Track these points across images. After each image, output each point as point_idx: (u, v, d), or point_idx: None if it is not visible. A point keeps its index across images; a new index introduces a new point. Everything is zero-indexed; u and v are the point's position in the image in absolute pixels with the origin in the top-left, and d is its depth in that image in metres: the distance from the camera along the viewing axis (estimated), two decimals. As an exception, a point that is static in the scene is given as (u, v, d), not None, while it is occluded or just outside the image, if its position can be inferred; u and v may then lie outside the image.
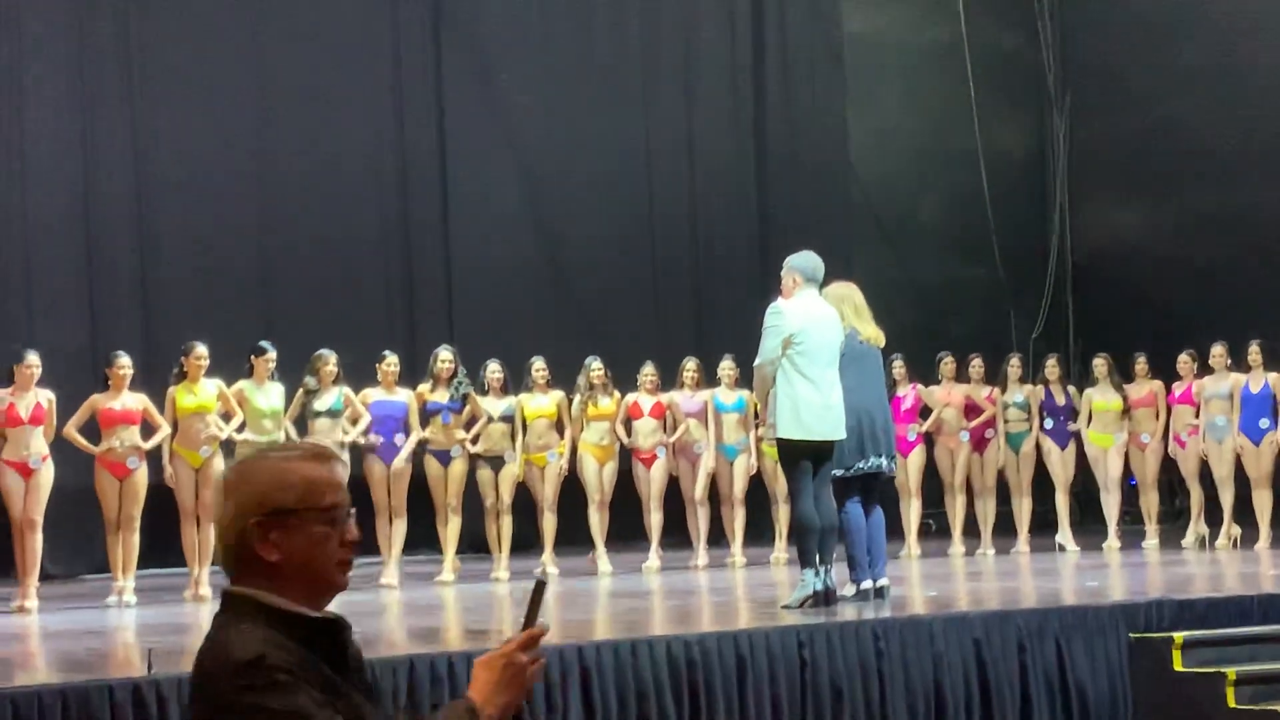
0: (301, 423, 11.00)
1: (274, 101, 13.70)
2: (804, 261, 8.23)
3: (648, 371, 12.23)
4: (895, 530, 11.41)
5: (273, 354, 10.79)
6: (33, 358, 10.06)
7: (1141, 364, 12.97)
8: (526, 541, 12.18)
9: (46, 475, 9.97)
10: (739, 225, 15.39)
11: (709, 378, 12.39)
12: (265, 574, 2.47)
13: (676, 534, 12.65)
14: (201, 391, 10.46)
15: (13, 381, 10.03)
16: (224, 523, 2.51)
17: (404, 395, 11.37)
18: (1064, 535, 13.14)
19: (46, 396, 10.09)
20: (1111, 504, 13.13)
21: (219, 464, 10.39)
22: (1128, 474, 13.22)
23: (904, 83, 16.17)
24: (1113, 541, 13.00)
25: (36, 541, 9.92)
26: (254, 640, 2.39)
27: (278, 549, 2.47)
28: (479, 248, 14.32)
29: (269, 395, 10.74)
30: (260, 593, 2.47)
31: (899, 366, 12.59)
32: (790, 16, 15.74)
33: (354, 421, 11.08)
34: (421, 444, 11.35)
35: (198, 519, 10.39)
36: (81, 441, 10.26)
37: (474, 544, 12.26)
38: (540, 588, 2.60)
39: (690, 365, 12.35)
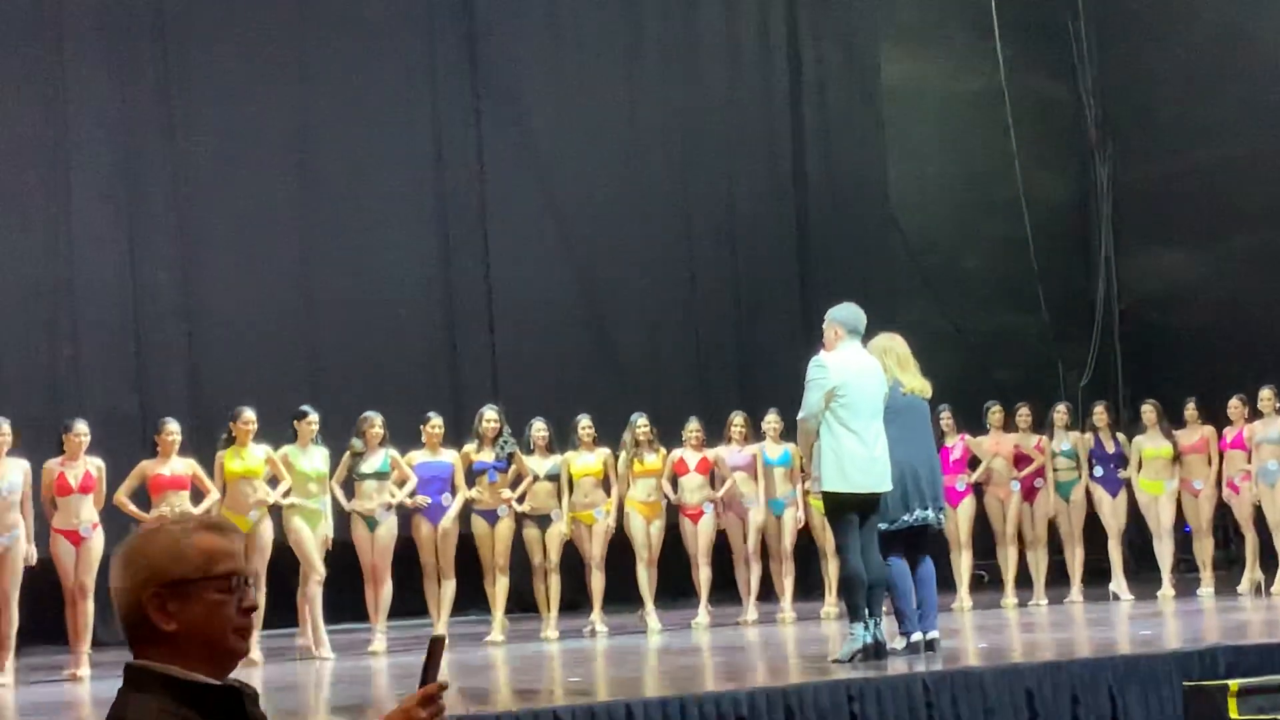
0: (349, 485, 11.01)
1: (315, 163, 13.79)
2: (845, 314, 8.23)
3: (693, 427, 12.21)
4: (946, 582, 11.34)
5: (315, 417, 10.79)
6: (81, 426, 10.13)
7: (1191, 410, 12.88)
8: (575, 600, 12.18)
9: (97, 543, 10.03)
10: (780, 278, 15.40)
11: (754, 432, 12.36)
12: (165, 645, 2.48)
13: (725, 589, 12.56)
14: (249, 456, 10.50)
15: (63, 451, 10.11)
16: (120, 596, 2.51)
17: (449, 456, 11.37)
18: (1118, 584, 13.05)
19: (96, 465, 10.17)
20: (1165, 552, 13.00)
21: (268, 529, 10.42)
22: (1181, 521, 13.13)
23: (944, 131, 16.20)
24: (1167, 589, 12.86)
25: (88, 609, 9.99)
26: (150, 712, 2.41)
27: (175, 619, 2.48)
28: (522, 307, 14.33)
29: (313, 459, 10.76)
30: (160, 664, 2.47)
31: (946, 417, 12.50)
32: (828, 68, 15.82)
33: (401, 483, 11.09)
34: (468, 504, 11.32)
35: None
36: (133, 509, 10.27)
37: (522, 603, 12.25)
38: (437, 643, 2.65)
39: (738, 420, 12.33)
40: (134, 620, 2.49)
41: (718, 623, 11.95)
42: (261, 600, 9.85)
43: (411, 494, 11.09)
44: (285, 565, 10.68)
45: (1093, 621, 11.03)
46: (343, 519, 10.93)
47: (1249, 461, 12.53)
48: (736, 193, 15.38)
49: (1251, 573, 12.74)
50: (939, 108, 16.28)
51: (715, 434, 12.37)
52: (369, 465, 10.98)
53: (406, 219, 14.15)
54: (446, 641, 2.81)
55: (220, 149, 13.46)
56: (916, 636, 8.25)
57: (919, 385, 8.53)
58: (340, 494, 10.96)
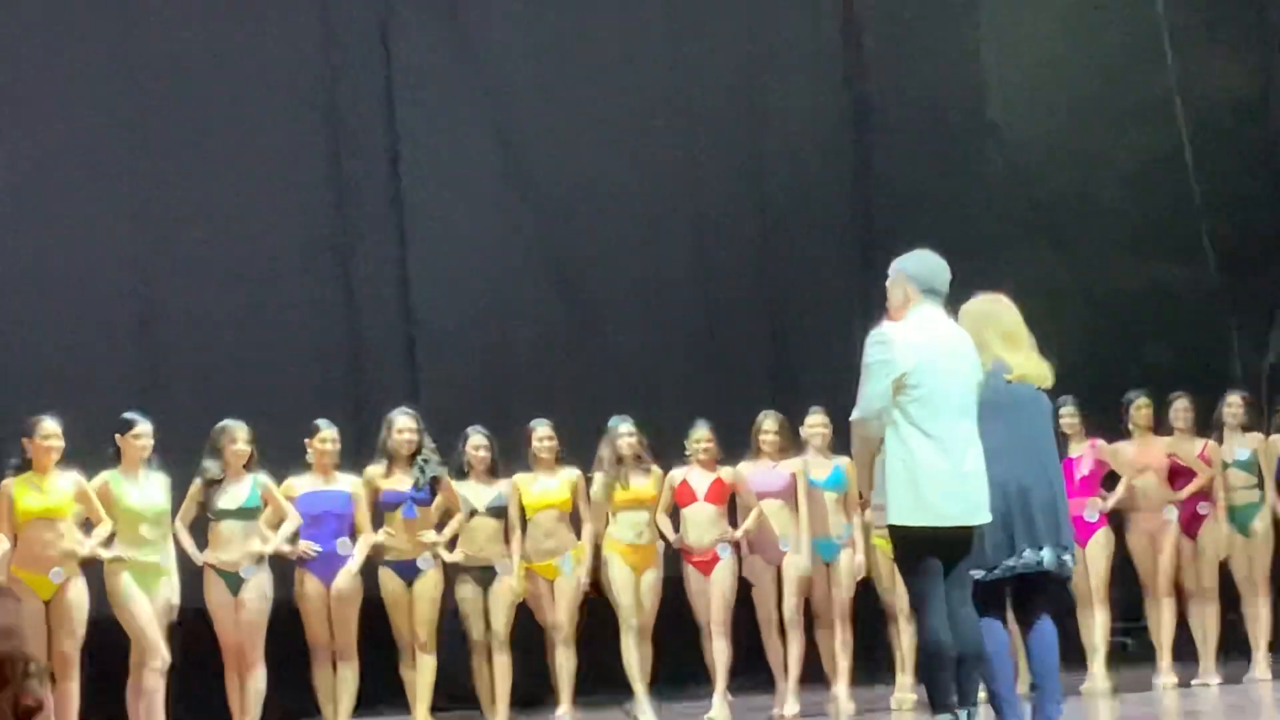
0: (200, 527, 10.74)
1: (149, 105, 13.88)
2: (920, 266, 7.95)
3: (701, 435, 11.65)
4: (1073, 653, 11.20)
5: (146, 429, 10.38)
6: None
7: None
8: (533, 691, 11.90)
9: None
10: (829, 220, 14.88)
11: (792, 442, 11.99)
12: None
13: (751, 669, 12.20)
14: (52, 488, 10.23)
15: None
16: None
17: (347, 483, 10.98)
18: None
19: None
20: None
21: (79, 594, 10.21)
22: None
23: (1064, 12, 16.00)
24: None
25: None
26: None
27: None
28: (452, 275, 14.04)
29: (146, 490, 10.37)
30: None
31: (1070, 415, 12.02)
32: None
33: (277, 524, 10.79)
34: (375, 553, 11.06)
35: (51, 676, 10.05)
36: None
37: (456, 694, 11.91)
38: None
39: (769, 424, 11.81)
40: None
41: (742, 718, 11.73)
42: (75, 696, 10.19)
43: (292, 539, 10.80)
44: (110, 644, 10.47)
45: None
46: (193, 576, 10.70)
47: None
48: (768, 98, 15.07)
49: None
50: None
51: (736, 445, 11.91)
52: (229, 498, 10.70)
53: (288, 156, 14.02)
54: None
55: (46, 103, 13.52)
56: (1025, 733, 7.83)
57: (1034, 370, 8.27)
58: (186, 539, 10.71)
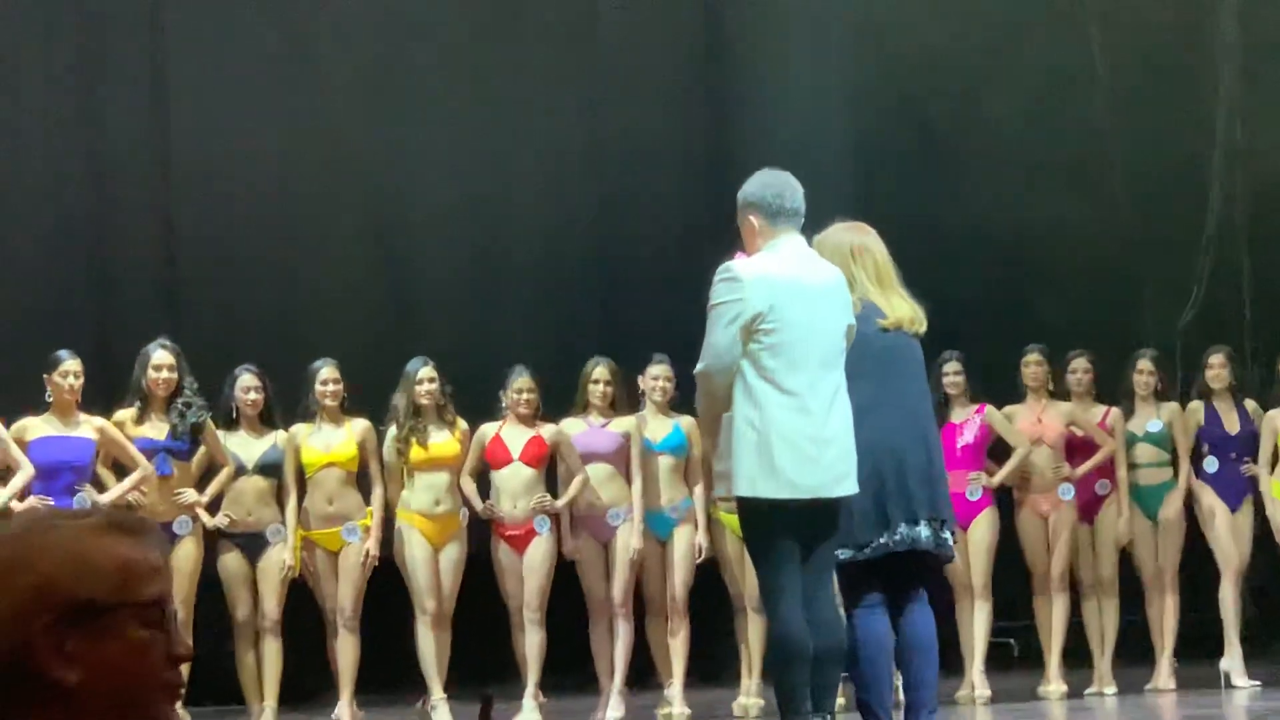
0: None
1: None
2: (763, 187, 7.48)
3: (521, 384, 10.64)
4: (951, 655, 10.44)
5: None
6: None
7: None
8: (311, 682, 11.03)
9: None
10: (672, 122, 13.88)
11: (628, 395, 11.02)
12: (57, 706, 2.47)
13: (572, 665, 11.30)
14: None
15: None
16: None
17: (90, 428, 10.05)
18: (1232, 660, 11.53)
19: None
20: None
21: None
22: None
23: None
24: None
25: None
26: None
27: (79, 665, 2.45)
28: (216, 186, 13.16)
29: None
30: None
31: (954, 374, 11.10)
32: None
33: (3, 476, 10.00)
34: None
35: None
36: None
37: (219, 689, 11.02)
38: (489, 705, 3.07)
39: (599, 373, 10.79)
40: (9, 667, 2.49)
41: None
42: None
43: (22, 493, 9.96)
44: None
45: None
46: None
47: None
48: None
49: None
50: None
51: (563, 397, 10.91)
52: None
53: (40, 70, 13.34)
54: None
55: None
56: (898, 748, 7.86)
57: (909, 314, 7.75)
58: None
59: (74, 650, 2.42)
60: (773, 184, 7.44)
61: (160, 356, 10.09)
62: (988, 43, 14.45)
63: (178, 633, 2.49)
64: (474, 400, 10.90)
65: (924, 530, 7.53)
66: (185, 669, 2.74)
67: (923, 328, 7.74)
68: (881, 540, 7.47)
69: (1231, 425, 11.69)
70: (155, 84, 13.43)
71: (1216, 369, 11.67)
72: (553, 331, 13.02)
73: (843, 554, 7.40)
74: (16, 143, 13.19)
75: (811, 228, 7.62)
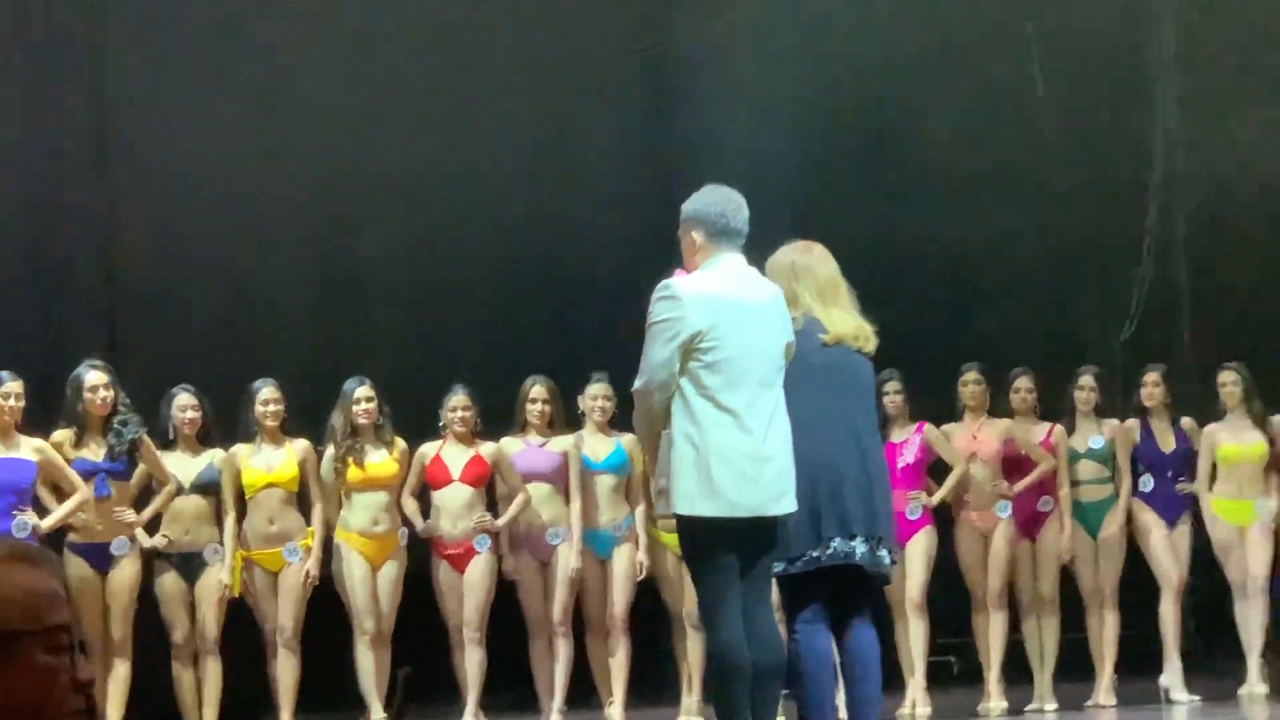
0: None
1: None
2: (706, 204, 7.39)
3: (457, 402, 10.64)
4: (891, 672, 9.95)
5: None
6: None
7: None
8: (247, 701, 10.78)
9: None
10: (615, 143, 13.75)
11: (568, 413, 11.03)
12: None
13: (511, 682, 11.24)
14: None
15: None
16: None
17: (30, 448, 9.90)
18: (1172, 675, 11.53)
19: None
20: (1253, 620, 11.76)
21: None
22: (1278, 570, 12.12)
23: None
24: (1256, 685, 11.63)
25: None
26: None
27: None
28: (151, 199, 12.94)
29: None
30: None
31: (894, 393, 11.12)
32: None
33: None
34: (63, 533, 10.03)
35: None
36: None
37: (159, 709, 10.71)
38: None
39: (537, 391, 10.79)
40: None
41: None
42: None
43: None
44: None
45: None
46: None
47: None
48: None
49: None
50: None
51: (502, 416, 10.87)
52: None
53: None
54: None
55: None
56: (835, 766, 7.93)
57: (852, 330, 7.70)
58: None
59: None
60: (717, 201, 7.34)
61: (94, 377, 9.95)
62: (928, 61, 14.40)
63: (80, 660, 2.57)
64: (425, 421, 10.81)
65: (859, 547, 7.45)
66: (101, 692, 2.88)
67: (869, 345, 7.66)
68: (814, 554, 7.40)
69: (1166, 444, 11.72)
70: (94, 99, 13.22)
71: (1150, 387, 11.70)
72: (499, 351, 12.92)
73: (778, 568, 7.34)
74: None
75: (753, 244, 7.52)
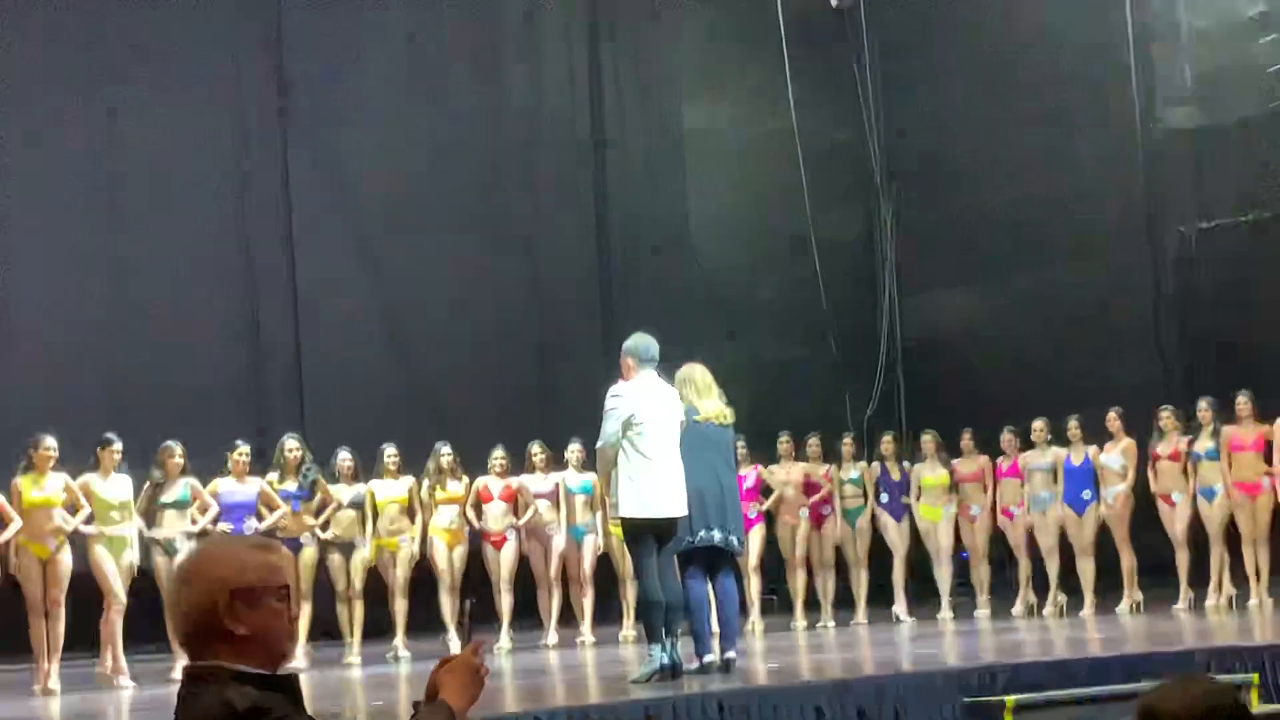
0: (151, 515, 10.76)
1: (122, 187, 13.57)
2: (637, 344, 8.14)
3: (498, 455, 12.09)
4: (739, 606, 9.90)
5: (118, 445, 10.52)
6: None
7: (967, 440, 12.99)
8: (379, 626, 11.86)
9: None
10: (583, 315, 15.27)
11: (557, 461, 12.19)
12: (232, 646, 2.68)
13: (528, 615, 12.39)
14: (48, 485, 10.15)
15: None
16: (189, 603, 2.70)
17: (255, 485, 11.17)
18: (900, 607, 13.08)
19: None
20: (944, 575, 13.06)
21: (66, 558, 10.21)
22: (960, 547, 13.16)
23: (741, 172, 16.25)
24: (946, 612, 12.93)
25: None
26: (248, 695, 2.62)
27: (245, 623, 2.67)
28: (329, 336, 14.10)
29: (115, 487, 10.46)
30: (229, 662, 2.68)
31: (740, 448, 11.80)
32: (630, 114, 15.95)
33: (204, 511, 10.85)
34: (270, 533, 10.88)
35: (46, 613, 10.15)
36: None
37: (326, 630, 11.98)
38: (470, 607, 2.92)
39: (535, 449, 12.19)
40: (204, 624, 2.68)
41: (520, 647, 11.85)
42: (60, 631, 10.15)
43: (214, 521, 10.82)
44: (85, 593, 10.41)
45: (877, 642, 11.07)
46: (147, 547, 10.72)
47: (1022, 489, 12.68)
48: (540, 229, 15.43)
49: (1025, 596, 12.80)
50: (737, 149, 16.24)
51: (520, 463, 12.18)
52: (169, 495, 10.74)
53: (212, 244, 13.89)
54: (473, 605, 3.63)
55: (26, 174, 13.24)
56: (710, 658, 8.21)
57: (716, 412, 8.41)
58: (142, 524, 10.67)
59: (240, 613, 2.66)
60: (642, 342, 8.08)
61: (290, 443, 11.32)
62: (756, 257, 16.48)
63: (292, 606, 2.75)
64: (481, 464, 11.68)
65: (718, 534, 8.20)
66: (297, 626, 3.25)
67: (729, 420, 8.41)
68: (688, 539, 8.15)
69: (895, 475, 13.12)
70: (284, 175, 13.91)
71: (888, 444, 13.26)
72: (511, 418, 13.76)
73: (676, 545, 8.05)
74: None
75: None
